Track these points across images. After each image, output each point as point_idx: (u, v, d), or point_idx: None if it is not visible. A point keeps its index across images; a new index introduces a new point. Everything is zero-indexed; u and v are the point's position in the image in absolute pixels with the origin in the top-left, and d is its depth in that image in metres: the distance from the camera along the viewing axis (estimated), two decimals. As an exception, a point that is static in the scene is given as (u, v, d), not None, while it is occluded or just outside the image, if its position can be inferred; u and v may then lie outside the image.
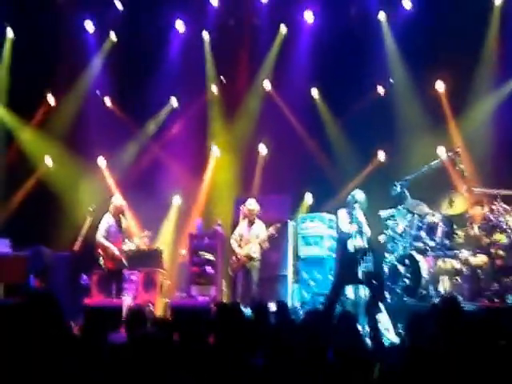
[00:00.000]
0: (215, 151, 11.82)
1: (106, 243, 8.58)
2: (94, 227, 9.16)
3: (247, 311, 5.88)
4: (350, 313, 5.46)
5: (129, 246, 8.71)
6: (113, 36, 11.79)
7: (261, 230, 8.93)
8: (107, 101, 12.02)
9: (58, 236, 10.55)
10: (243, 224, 9.05)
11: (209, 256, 9.60)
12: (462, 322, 4.44)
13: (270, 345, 4.46)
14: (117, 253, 8.57)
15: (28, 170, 11.67)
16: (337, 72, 10.93)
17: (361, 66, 10.80)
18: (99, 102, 11.97)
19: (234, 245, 8.96)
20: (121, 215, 8.73)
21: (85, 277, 9.77)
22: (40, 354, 3.42)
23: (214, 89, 11.93)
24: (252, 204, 9.03)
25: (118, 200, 8.89)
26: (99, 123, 11.55)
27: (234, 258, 8.92)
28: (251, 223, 8.98)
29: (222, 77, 11.94)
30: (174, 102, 12.01)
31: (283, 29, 11.53)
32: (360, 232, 8.34)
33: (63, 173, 11.59)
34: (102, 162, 11.80)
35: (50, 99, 11.92)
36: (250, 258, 8.82)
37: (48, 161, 11.79)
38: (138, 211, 10.81)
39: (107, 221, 8.68)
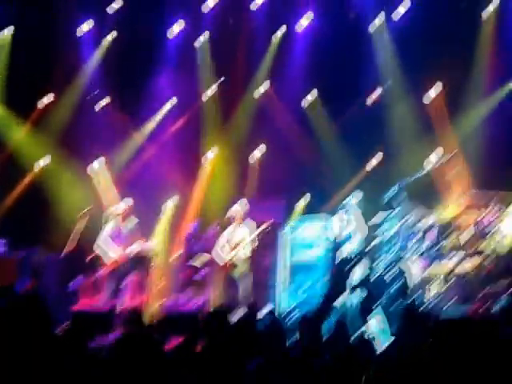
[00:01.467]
0: (211, 153, 11.84)
1: (105, 247, 8.59)
2: (89, 230, 9.19)
3: (238, 315, 5.87)
4: (342, 321, 5.50)
5: (132, 249, 8.66)
6: (110, 36, 11.78)
7: (248, 232, 8.89)
8: (103, 102, 12.01)
9: (50, 238, 10.53)
10: (230, 229, 9.04)
11: (203, 259, 9.58)
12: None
13: (261, 350, 4.49)
14: (114, 258, 8.56)
15: (22, 171, 11.65)
16: (332, 76, 11.00)
17: (356, 71, 10.89)
18: (95, 104, 11.98)
19: (220, 251, 8.95)
20: (126, 220, 8.73)
21: (77, 279, 9.77)
22: (24, 356, 3.44)
23: (211, 91, 11.95)
24: (238, 206, 9.04)
25: (122, 206, 8.92)
26: (95, 124, 11.55)
27: (222, 264, 8.92)
28: (237, 226, 8.97)
29: (218, 80, 11.97)
30: (170, 103, 12.01)
31: (280, 32, 11.55)
32: (354, 237, 8.43)
33: (57, 174, 11.55)
34: (97, 163, 11.78)
35: (46, 99, 11.92)
36: (238, 263, 8.81)
37: (42, 161, 11.77)
38: (132, 213, 10.78)
39: (110, 226, 8.70)
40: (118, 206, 8.96)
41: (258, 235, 8.85)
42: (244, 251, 8.84)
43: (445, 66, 10.18)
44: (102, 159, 11.63)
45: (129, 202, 8.99)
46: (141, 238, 9.93)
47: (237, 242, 8.87)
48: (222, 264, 8.90)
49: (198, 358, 4.42)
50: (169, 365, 4.12)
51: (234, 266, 8.81)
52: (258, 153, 11.69)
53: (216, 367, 4.22)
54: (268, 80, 11.76)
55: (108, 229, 8.71)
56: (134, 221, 8.94)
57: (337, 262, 8.33)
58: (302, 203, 11.06)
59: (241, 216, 8.95)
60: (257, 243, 8.89)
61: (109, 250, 8.60)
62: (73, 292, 9.36)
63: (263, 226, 8.87)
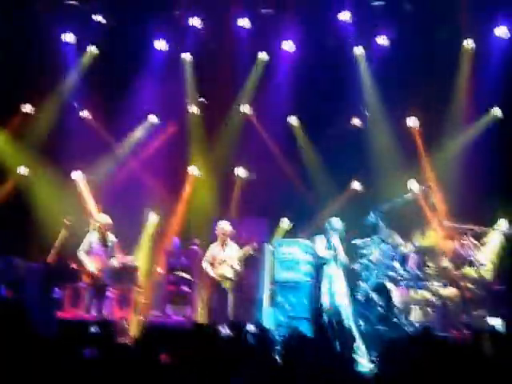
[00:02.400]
0: (194, 171, 11.94)
1: (85, 260, 8.63)
2: (70, 240, 9.17)
3: (225, 331, 5.99)
4: (329, 339, 5.62)
5: (113, 263, 8.72)
6: (93, 49, 11.76)
7: (234, 252, 9.05)
8: (85, 114, 12.00)
9: (32, 247, 10.44)
10: (216, 245, 9.16)
11: (185, 275, 9.65)
12: (436, 351, 4.65)
13: (249, 365, 4.61)
14: (93, 270, 8.59)
15: (2, 179, 11.53)
16: (315, 100, 11.23)
17: (338, 97, 11.12)
18: (77, 115, 11.94)
19: (206, 265, 9.06)
20: (107, 233, 8.76)
21: (57, 290, 9.71)
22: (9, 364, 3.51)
23: (194, 109, 12.08)
24: (224, 225, 9.18)
25: (103, 217, 8.94)
26: (76, 136, 11.49)
27: (207, 279, 9.03)
28: (224, 244, 9.10)
29: (202, 98, 12.11)
30: (153, 118, 12.09)
31: (263, 55, 11.74)
32: (336, 259, 8.63)
33: (38, 183, 11.46)
34: (78, 175, 11.74)
35: (27, 108, 11.83)
36: (225, 279, 8.94)
37: (23, 170, 11.67)
38: (113, 227, 10.78)
39: (90, 238, 8.72)
40: (98, 218, 8.93)
41: (245, 254, 9.01)
42: (230, 269, 8.97)
43: (424, 96, 10.52)
44: (79, 172, 11.61)
45: (107, 219, 9.01)
46: (120, 252, 10.00)
47: (223, 259, 8.99)
48: (208, 279, 8.98)
49: (186, 370, 4.52)
50: (159, 377, 4.25)
51: (224, 278, 8.91)
52: (241, 173, 11.83)
53: (204, 380, 4.33)
54: (251, 102, 11.93)
55: (87, 240, 8.73)
56: (112, 236, 8.98)
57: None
58: (283, 226, 11.24)
59: (228, 234, 9.08)
60: (241, 267, 9.04)
61: (87, 261, 8.62)
62: (56, 300, 9.32)
63: (250, 250, 9.01)
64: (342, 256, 8.60)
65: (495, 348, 4.54)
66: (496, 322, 7.93)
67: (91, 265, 8.62)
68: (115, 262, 8.67)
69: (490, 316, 8.08)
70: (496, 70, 10.44)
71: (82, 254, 8.67)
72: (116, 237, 9.14)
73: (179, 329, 7.79)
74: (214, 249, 9.12)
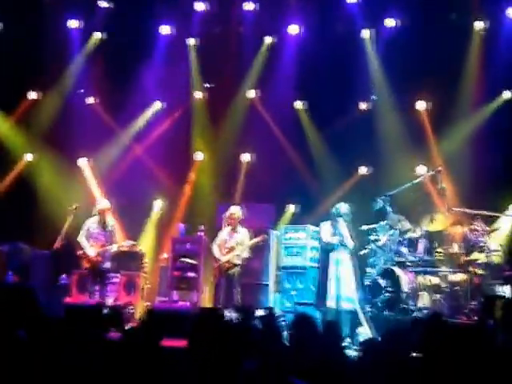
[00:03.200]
0: (199, 156, 11.85)
1: (83, 244, 8.62)
2: (76, 226, 9.13)
3: (230, 316, 5.93)
4: (334, 323, 5.53)
5: (112, 247, 8.69)
6: (98, 35, 11.70)
7: (244, 237, 8.96)
8: (90, 100, 11.94)
9: (38, 234, 10.42)
10: (226, 230, 9.07)
11: (191, 261, 9.60)
12: (445, 335, 4.57)
13: (258, 350, 4.54)
14: (92, 254, 8.56)
15: (8, 166, 11.51)
16: (321, 85, 11.05)
17: (345, 81, 10.93)
18: (82, 101, 11.89)
19: (216, 251, 8.98)
20: (107, 218, 8.71)
21: (64, 276, 9.71)
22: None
23: (199, 94, 11.97)
24: (235, 210, 9.09)
25: (103, 203, 8.88)
26: (82, 122, 11.46)
27: (215, 264, 8.97)
28: (234, 230, 9.02)
29: (207, 83, 12.00)
30: (158, 104, 12.00)
31: (269, 39, 11.61)
32: (342, 244, 8.54)
33: (44, 170, 11.46)
34: (83, 161, 11.71)
35: (33, 95, 11.78)
36: (233, 265, 8.87)
37: (29, 157, 11.65)
38: (119, 213, 10.73)
39: (90, 222, 8.71)
40: (97, 203, 8.88)
41: (253, 245, 8.94)
42: (239, 254, 8.90)
43: (433, 80, 10.33)
44: (85, 159, 11.58)
45: (107, 203, 8.96)
46: (125, 237, 9.97)
47: (233, 245, 8.92)
48: (216, 264, 8.93)
49: (192, 355, 4.46)
50: (165, 362, 4.18)
51: (229, 266, 8.85)
52: (246, 158, 11.74)
53: (212, 366, 4.27)
54: (257, 87, 11.80)
55: (86, 225, 8.72)
56: (112, 221, 8.94)
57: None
58: (289, 211, 11.16)
59: (239, 219, 9.00)
60: (250, 254, 8.98)
61: (86, 246, 8.61)
62: (63, 286, 9.33)
63: (259, 239, 8.94)
64: (349, 241, 8.50)
65: (506, 313, 4.46)
66: (506, 290, 7.87)
67: (90, 250, 8.60)
68: (115, 247, 8.60)
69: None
70: (508, 52, 10.24)
71: (82, 239, 8.64)
72: (122, 223, 9.14)
73: (185, 313, 7.76)
74: (224, 234, 9.03)
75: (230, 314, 5.91)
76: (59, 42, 11.60)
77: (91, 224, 8.73)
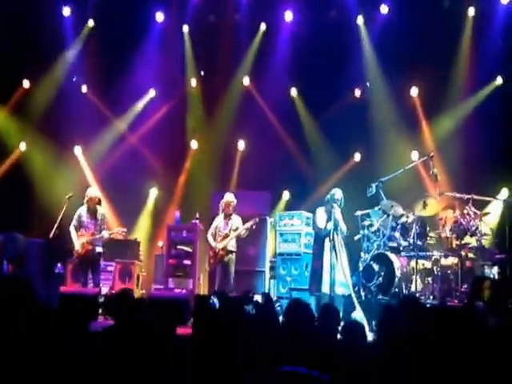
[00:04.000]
0: (193, 144, 11.88)
1: (72, 234, 8.59)
2: (71, 215, 9.16)
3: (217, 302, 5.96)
4: (332, 307, 5.58)
5: (103, 235, 8.66)
6: (91, 23, 11.68)
7: (238, 224, 9.04)
8: (84, 88, 11.94)
9: (33, 223, 10.47)
10: (220, 218, 9.15)
11: (186, 249, 9.66)
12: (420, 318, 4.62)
13: (255, 332, 4.61)
14: (78, 247, 8.48)
15: (2, 155, 11.52)
16: (315, 72, 11.09)
17: (339, 68, 10.98)
18: (76, 89, 11.87)
19: (211, 239, 9.04)
20: (97, 206, 8.72)
21: (59, 265, 9.75)
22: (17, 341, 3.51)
23: (194, 82, 11.98)
24: (230, 197, 9.16)
25: (92, 191, 8.87)
26: (76, 110, 11.46)
27: (211, 252, 9.04)
28: (228, 217, 9.09)
29: (201, 71, 12.01)
30: (152, 92, 12.01)
31: (263, 26, 11.60)
32: (336, 230, 8.58)
33: (39, 159, 11.47)
34: (78, 149, 11.73)
35: (26, 83, 11.78)
36: (228, 252, 8.95)
37: (23, 146, 11.66)
38: (114, 202, 10.80)
39: (80, 211, 8.69)
40: (87, 191, 8.88)
41: (247, 230, 9.01)
42: (233, 241, 8.97)
43: (426, 66, 10.37)
44: (79, 147, 11.59)
45: (96, 192, 8.98)
46: (119, 226, 9.96)
47: (227, 231, 9.00)
48: (212, 251, 9.00)
49: (191, 341, 4.52)
50: (164, 350, 4.25)
51: (223, 253, 8.93)
52: (240, 146, 11.77)
53: (209, 351, 4.33)
54: (251, 74, 11.82)
55: (77, 214, 8.69)
56: (102, 209, 8.94)
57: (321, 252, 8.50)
58: (284, 198, 11.22)
59: (233, 206, 9.08)
60: (246, 235, 9.05)
61: (74, 237, 8.57)
62: (58, 275, 9.35)
63: (251, 222, 9.02)
64: (343, 227, 8.54)
65: (493, 293, 4.53)
66: (495, 272, 7.98)
67: (77, 242, 8.52)
68: (106, 234, 8.59)
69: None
70: (499, 39, 10.28)
71: (72, 229, 8.63)
72: (117, 211, 9.13)
73: (185, 298, 7.79)
74: (219, 221, 9.10)
75: (212, 301, 5.92)
76: (53, 30, 11.54)
77: (82, 213, 8.69)
